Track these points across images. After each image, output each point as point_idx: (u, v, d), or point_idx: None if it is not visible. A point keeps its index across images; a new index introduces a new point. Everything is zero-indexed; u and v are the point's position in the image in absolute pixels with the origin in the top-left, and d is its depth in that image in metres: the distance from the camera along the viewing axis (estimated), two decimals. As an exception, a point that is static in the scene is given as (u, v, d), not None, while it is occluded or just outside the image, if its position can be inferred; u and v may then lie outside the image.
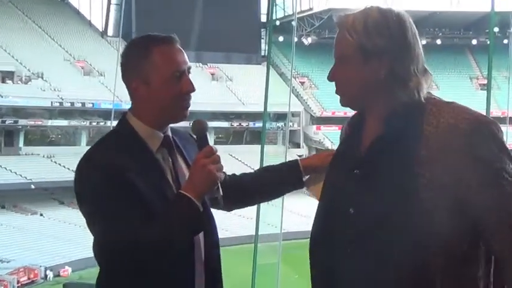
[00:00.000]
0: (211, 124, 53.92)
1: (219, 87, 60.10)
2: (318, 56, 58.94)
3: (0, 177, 45.05)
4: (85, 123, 52.96)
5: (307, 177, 2.91)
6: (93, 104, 52.33)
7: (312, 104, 61.63)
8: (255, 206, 12.64)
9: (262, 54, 62.78)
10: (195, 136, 2.58)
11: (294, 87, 57.67)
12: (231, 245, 36.96)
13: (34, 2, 59.09)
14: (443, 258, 2.12)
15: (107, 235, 2.42)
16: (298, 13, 46.27)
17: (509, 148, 2.15)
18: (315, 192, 2.76)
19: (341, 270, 2.23)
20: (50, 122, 52.40)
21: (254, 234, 13.58)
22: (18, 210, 45.03)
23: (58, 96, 51.66)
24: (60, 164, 46.64)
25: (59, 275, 36.31)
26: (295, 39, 26.65)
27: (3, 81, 51.41)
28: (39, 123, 51.88)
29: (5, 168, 46.16)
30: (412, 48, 2.20)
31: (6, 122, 50.03)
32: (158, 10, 55.95)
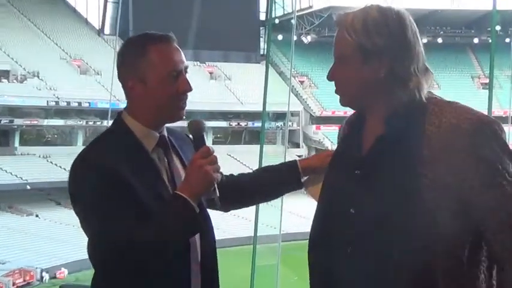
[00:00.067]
0: (210, 124, 54.28)
1: (218, 87, 60.18)
2: (317, 55, 59.17)
3: (-5, 177, 44.82)
4: (81, 122, 52.95)
5: (305, 178, 2.91)
6: (89, 103, 52.24)
7: (312, 104, 61.62)
8: (254, 207, 12.71)
9: (261, 52, 63.02)
10: (191, 136, 2.57)
11: (293, 86, 57.80)
12: (230, 246, 37.33)
13: (30, 0, 59.12)
14: (444, 259, 2.11)
15: (102, 235, 2.40)
16: (297, 11, 46.37)
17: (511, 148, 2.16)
18: (313, 193, 2.77)
19: (340, 271, 2.23)
20: (46, 122, 52.37)
21: (253, 235, 13.75)
22: (13, 211, 44.89)
23: (54, 95, 51.62)
24: (56, 164, 46.56)
25: (55, 277, 36.17)
26: (295, 38, 26.77)
27: (-1, 80, 51.35)
28: (35, 122, 51.81)
29: (1, 169, 46.07)
30: (412, 47, 2.20)
31: (2, 122, 49.89)
32: (155, 8, 56.03)
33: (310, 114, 61.58)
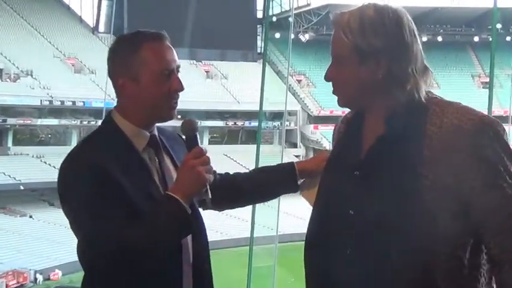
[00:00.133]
0: (206, 123, 54.80)
1: (214, 85, 60.37)
2: (315, 53, 59.58)
3: (-12, 178, 44.93)
4: (76, 122, 52.88)
5: (301, 180, 2.89)
6: (84, 102, 52.23)
7: (309, 103, 61.69)
8: (250, 208, 12.44)
9: (258, 51, 63.10)
10: (184, 136, 2.56)
11: (290, 85, 58.01)
12: (227, 248, 37.80)
13: (23, -2, 59.42)
14: (445, 260, 2.12)
15: (92, 236, 2.38)
16: (295, 9, 46.56)
17: None
18: (308, 196, 2.77)
19: (338, 272, 2.23)
20: (40, 121, 52.33)
21: (249, 236, 13.92)
22: (7, 212, 44.75)
23: (48, 94, 51.56)
24: (50, 165, 46.46)
25: (49, 279, 36.23)
26: (292, 36, 26.83)
27: (-9, 79, 51.54)
28: (29, 122, 51.79)
29: (-6, 169, 46.13)
30: (410, 47, 2.20)
31: (-5, 121, 50.07)
32: (151, 6, 56.19)
33: (308, 114, 61.68)
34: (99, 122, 2.72)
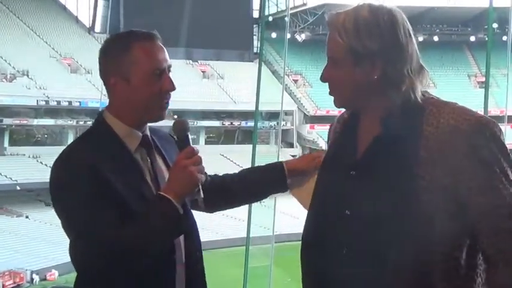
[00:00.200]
0: (202, 123, 54.84)
1: (210, 85, 60.28)
2: (311, 53, 59.46)
3: (-16, 178, 44.87)
4: (72, 122, 52.80)
5: (291, 180, 2.89)
6: (80, 102, 52.16)
7: (306, 103, 61.62)
8: (247, 208, 12.53)
9: (255, 51, 63.03)
10: (175, 136, 2.56)
11: (287, 85, 58.09)
12: (223, 248, 37.70)
13: (19, -2, 59.37)
14: (441, 261, 2.12)
15: (84, 236, 2.38)
16: (291, 8, 46.55)
17: (509, 148, 2.17)
18: (298, 195, 2.80)
19: (335, 272, 2.24)
20: (36, 121, 52.31)
21: (246, 236, 13.81)
22: (3, 212, 44.68)
23: (44, 94, 51.57)
24: (47, 165, 46.11)
25: (45, 279, 36.28)
26: (288, 36, 26.80)
27: (-13, 80, 51.52)
28: (25, 122, 51.77)
29: (-10, 169, 46.03)
30: (405, 48, 2.19)
31: (-9, 122, 50.00)
32: (147, 6, 56.00)
33: (304, 114, 61.63)
34: (95, 122, 2.69)
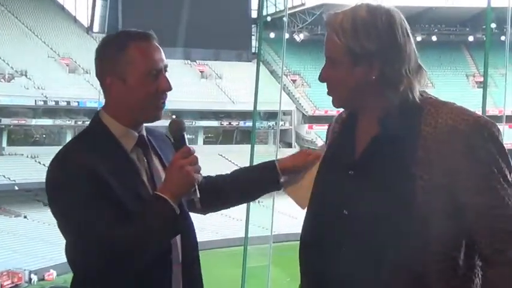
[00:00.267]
0: (201, 123, 54.80)
1: (209, 85, 60.28)
2: (310, 53, 59.41)
3: (-17, 178, 44.75)
4: (70, 122, 52.79)
5: (284, 178, 2.87)
6: (78, 102, 52.18)
7: (304, 103, 61.65)
8: (245, 208, 12.41)
9: (253, 51, 62.95)
10: (172, 136, 2.55)
11: (285, 85, 57.92)
12: (221, 247, 37.65)
13: (17, -2, 59.30)
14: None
15: (80, 236, 2.38)
16: (289, 8, 46.52)
17: (507, 148, 2.18)
18: (292, 193, 2.80)
19: (333, 272, 2.24)
20: (34, 121, 52.32)
21: (244, 236, 13.91)
22: (1, 212, 44.67)
23: (42, 94, 51.55)
24: (45, 165, 45.57)
25: (43, 279, 36.19)
26: (287, 36, 26.71)
27: (-14, 80, 51.38)
28: (23, 122, 51.75)
29: (-12, 169, 45.94)
30: (403, 48, 2.19)
31: (-11, 122, 49.89)
32: (145, 6, 56.12)
33: (303, 114, 61.64)
34: (94, 123, 2.68)
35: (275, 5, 61.21)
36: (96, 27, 62.50)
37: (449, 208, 2.11)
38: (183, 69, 56.04)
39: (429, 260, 2.12)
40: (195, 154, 2.47)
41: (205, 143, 56.81)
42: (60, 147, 2.55)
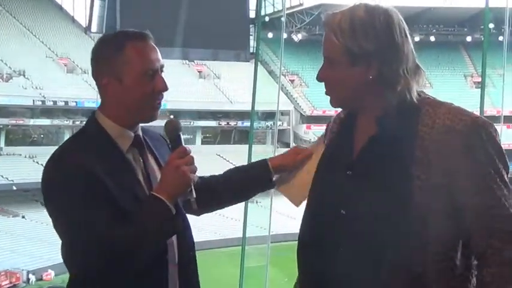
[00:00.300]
0: (199, 123, 54.74)
1: (207, 85, 60.20)
2: (308, 53, 59.48)
3: (-20, 178, 44.71)
4: (68, 122, 52.61)
5: (276, 176, 2.87)
6: (76, 102, 52.05)
7: (302, 103, 61.61)
8: (243, 208, 12.41)
9: (251, 51, 62.52)
10: (168, 137, 2.57)
11: (283, 85, 58.08)
12: (219, 247, 37.87)
13: (15, -2, 59.28)
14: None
15: (76, 237, 2.37)
16: (287, 9, 46.47)
17: (505, 148, 2.18)
18: (286, 191, 2.80)
19: (331, 272, 2.24)
20: (32, 121, 52.27)
21: (242, 236, 13.90)
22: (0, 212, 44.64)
23: (40, 94, 51.50)
24: (43, 165, 44.85)
25: (41, 279, 36.21)
26: (285, 36, 26.70)
27: (-17, 79, 51.35)
28: (21, 122, 51.71)
29: (-14, 169, 45.85)
30: (401, 48, 2.20)
31: (-14, 122, 49.84)
32: (143, 6, 55.97)
33: (301, 114, 61.61)
34: (92, 123, 2.68)
35: (273, 5, 61.32)
36: (94, 27, 62.34)
37: (447, 208, 2.12)
38: (181, 69, 56.03)
39: (428, 260, 2.13)
40: (191, 154, 2.47)
41: (203, 143, 56.76)
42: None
